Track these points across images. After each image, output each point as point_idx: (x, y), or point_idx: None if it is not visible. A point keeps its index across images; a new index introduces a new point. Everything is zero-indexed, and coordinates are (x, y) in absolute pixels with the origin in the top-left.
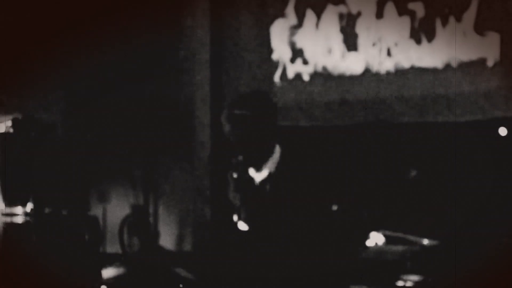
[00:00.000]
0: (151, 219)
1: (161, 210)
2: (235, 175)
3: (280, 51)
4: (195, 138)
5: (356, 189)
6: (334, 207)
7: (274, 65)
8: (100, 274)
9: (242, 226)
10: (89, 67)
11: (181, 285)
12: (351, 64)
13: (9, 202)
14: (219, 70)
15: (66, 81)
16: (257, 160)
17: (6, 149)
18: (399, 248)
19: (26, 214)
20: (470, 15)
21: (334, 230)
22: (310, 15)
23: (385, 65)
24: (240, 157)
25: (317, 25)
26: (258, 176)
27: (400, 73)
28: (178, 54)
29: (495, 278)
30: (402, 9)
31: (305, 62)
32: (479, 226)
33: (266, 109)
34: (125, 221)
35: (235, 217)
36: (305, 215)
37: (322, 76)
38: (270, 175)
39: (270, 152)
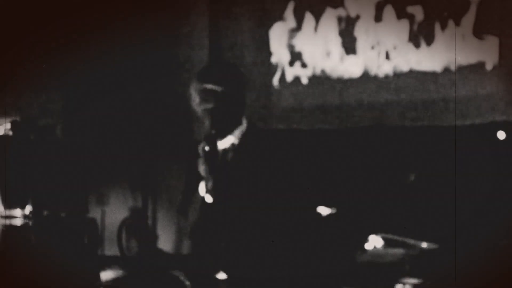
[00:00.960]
0: (149, 222)
1: (159, 213)
2: (206, 148)
3: (279, 54)
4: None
5: (355, 192)
6: (333, 210)
7: (273, 68)
8: (98, 277)
9: (208, 198)
10: (88, 70)
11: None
12: (349, 67)
13: (8, 205)
14: None
15: (65, 83)
16: (224, 131)
17: (5, 152)
18: (398, 251)
19: (25, 216)
20: (469, 18)
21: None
22: (309, 18)
23: (383, 68)
24: (213, 131)
25: (316, 28)
26: (221, 144)
27: (398, 77)
28: (177, 58)
29: (494, 281)
30: (401, 13)
31: (304, 65)
32: (478, 229)
33: (235, 83)
34: (123, 224)
35: (202, 190)
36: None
37: (321, 79)
38: (233, 145)
39: (238, 123)
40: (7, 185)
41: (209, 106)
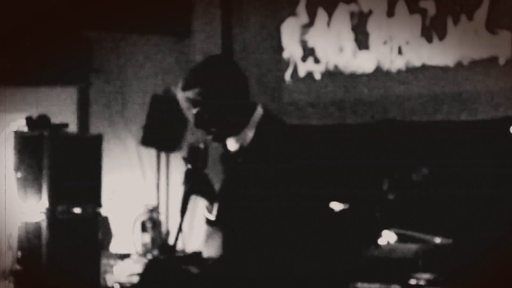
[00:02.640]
0: (163, 218)
1: (173, 209)
2: (189, 166)
3: (291, 49)
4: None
5: (368, 187)
6: (346, 206)
7: (285, 63)
8: (112, 273)
9: (209, 216)
10: (101, 66)
11: None
12: (362, 62)
13: (24, 201)
14: None
15: (78, 80)
16: (220, 137)
17: (20, 147)
18: (411, 246)
19: (40, 212)
20: (481, 13)
21: (335, 225)
22: (321, 14)
23: (396, 64)
24: (201, 145)
25: (328, 23)
26: (230, 146)
27: (411, 72)
28: (188, 51)
29: (507, 276)
30: (413, 7)
31: (317, 60)
32: (491, 224)
33: (226, 83)
34: (137, 220)
35: (202, 208)
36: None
37: (334, 75)
38: (242, 147)
39: (244, 122)
40: (22, 181)
41: (194, 111)
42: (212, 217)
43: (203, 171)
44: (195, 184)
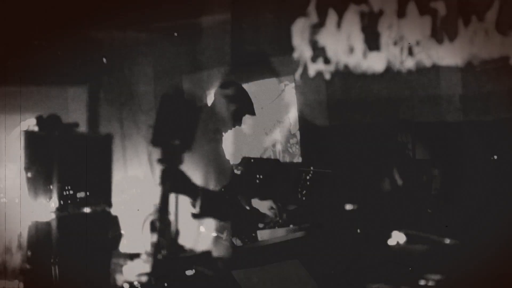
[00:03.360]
0: (172, 218)
1: (182, 209)
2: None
3: (301, 49)
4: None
5: (377, 188)
6: (354, 206)
7: (295, 63)
8: (121, 272)
9: (193, 209)
10: (111, 65)
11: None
12: (372, 63)
13: (34, 200)
14: None
15: (89, 78)
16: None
17: (30, 147)
18: (421, 247)
19: (50, 212)
20: (492, 14)
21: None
22: (331, 14)
23: (406, 64)
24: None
25: (339, 24)
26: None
27: (421, 72)
28: (199, 50)
29: None
30: (424, 8)
31: (327, 61)
32: (501, 225)
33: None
34: (146, 220)
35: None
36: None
37: (344, 75)
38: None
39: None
40: (32, 181)
41: (233, 107)
42: (196, 210)
43: (179, 169)
44: (173, 182)
